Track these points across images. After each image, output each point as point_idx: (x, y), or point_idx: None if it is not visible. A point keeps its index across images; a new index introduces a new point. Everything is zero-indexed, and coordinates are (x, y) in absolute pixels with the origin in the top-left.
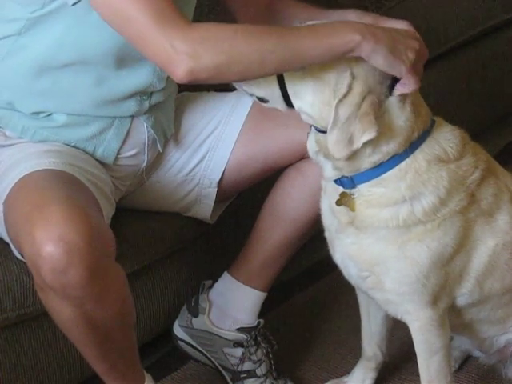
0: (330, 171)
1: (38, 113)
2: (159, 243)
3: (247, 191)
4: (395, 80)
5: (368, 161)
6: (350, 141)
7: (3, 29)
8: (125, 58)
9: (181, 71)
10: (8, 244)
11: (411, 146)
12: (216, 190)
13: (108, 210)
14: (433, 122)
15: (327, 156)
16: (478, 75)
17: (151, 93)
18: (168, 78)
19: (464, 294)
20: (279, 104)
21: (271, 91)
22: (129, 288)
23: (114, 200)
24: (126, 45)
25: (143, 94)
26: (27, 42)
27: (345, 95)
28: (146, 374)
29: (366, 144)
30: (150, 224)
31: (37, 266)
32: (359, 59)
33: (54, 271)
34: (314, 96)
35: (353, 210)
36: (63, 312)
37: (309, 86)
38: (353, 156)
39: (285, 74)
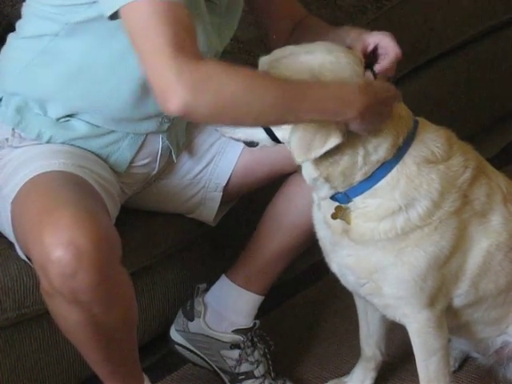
0: (326, 191)
1: (59, 118)
2: (160, 244)
3: (249, 194)
4: None
5: (360, 173)
6: (310, 147)
7: (40, 26)
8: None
9: (176, 102)
10: (8, 244)
11: (399, 151)
12: (221, 193)
13: (113, 212)
14: (416, 123)
15: (327, 179)
16: (477, 75)
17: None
18: None
19: (460, 295)
20: (266, 141)
21: (255, 132)
22: (133, 290)
23: (120, 202)
24: None
25: (166, 116)
26: (62, 45)
27: None
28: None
29: (354, 156)
30: (150, 225)
31: (45, 270)
32: (323, 67)
33: (63, 276)
34: None
35: (349, 223)
36: (70, 317)
37: None
38: (348, 172)
39: None
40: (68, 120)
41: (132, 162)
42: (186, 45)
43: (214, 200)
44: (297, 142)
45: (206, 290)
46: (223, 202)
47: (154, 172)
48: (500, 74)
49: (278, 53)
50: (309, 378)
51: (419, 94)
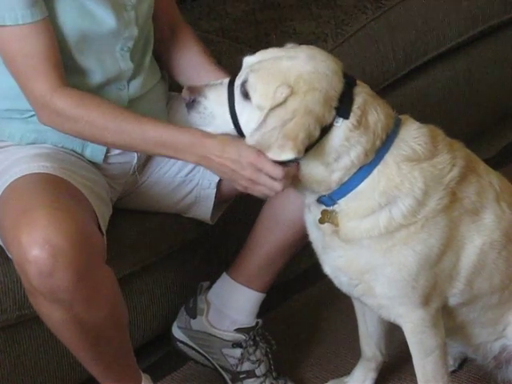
0: (309, 196)
1: (22, 111)
2: (159, 243)
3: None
4: (342, 102)
5: (332, 180)
6: (267, 151)
7: None
8: (84, 47)
9: (42, 119)
10: None
11: (379, 153)
12: (215, 190)
13: (104, 212)
14: (398, 122)
15: (305, 183)
16: (477, 75)
17: (128, 83)
18: (147, 67)
19: (455, 294)
20: (234, 133)
21: (225, 126)
22: (119, 289)
23: (111, 200)
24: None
25: (118, 82)
26: None
27: (279, 105)
28: (143, 374)
29: (315, 167)
30: (149, 224)
31: (24, 270)
32: (300, 78)
33: (41, 275)
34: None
35: (336, 225)
36: (53, 316)
37: (255, 115)
38: (317, 179)
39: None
40: (33, 115)
41: (108, 151)
42: (40, 75)
43: (208, 198)
44: (256, 143)
45: (209, 287)
46: (220, 200)
47: (135, 161)
48: (500, 73)
49: (261, 55)
50: (309, 378)
51: (419, 94)
